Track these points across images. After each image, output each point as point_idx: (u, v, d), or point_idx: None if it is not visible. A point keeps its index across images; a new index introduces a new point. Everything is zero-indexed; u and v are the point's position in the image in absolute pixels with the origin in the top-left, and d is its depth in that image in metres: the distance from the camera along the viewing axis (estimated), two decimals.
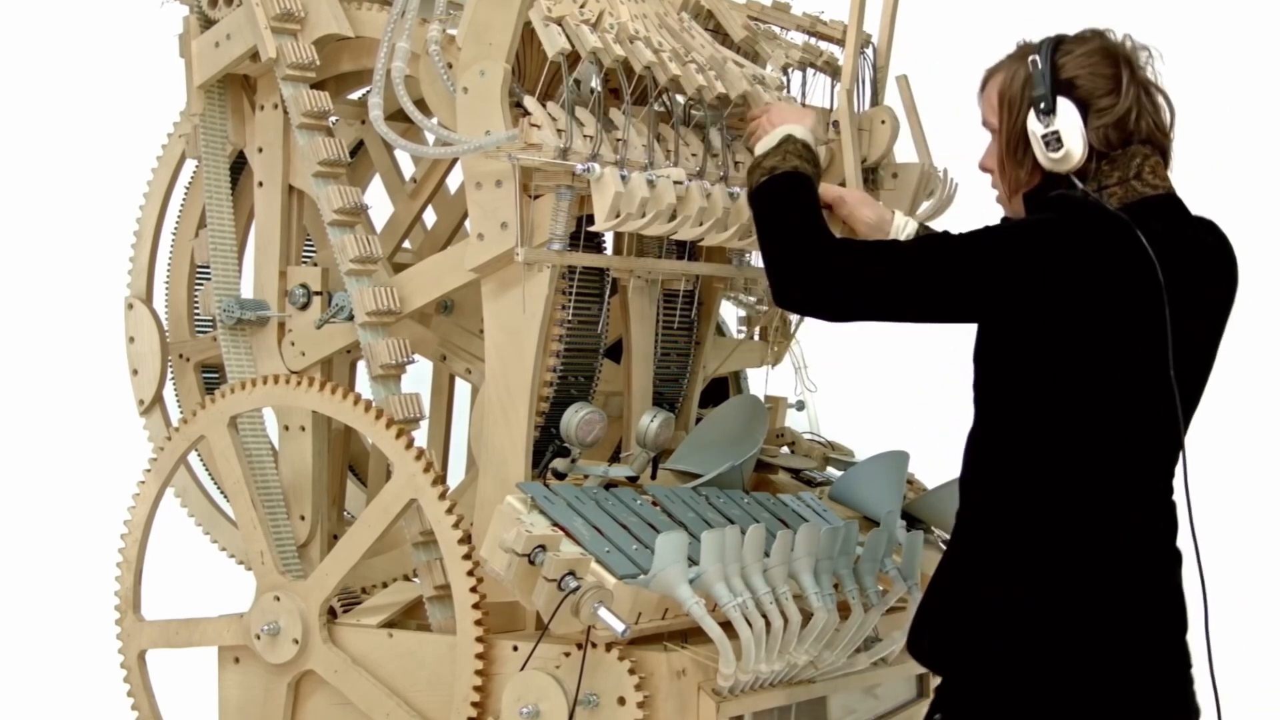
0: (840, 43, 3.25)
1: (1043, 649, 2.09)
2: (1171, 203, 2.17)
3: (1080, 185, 2.15)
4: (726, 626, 2.43)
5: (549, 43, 2.59)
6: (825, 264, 2.12)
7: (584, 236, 2.78)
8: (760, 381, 3.63)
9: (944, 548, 2.88)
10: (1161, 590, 2.15)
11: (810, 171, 2.35)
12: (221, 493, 3.18)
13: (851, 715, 2.87)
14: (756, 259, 3.32)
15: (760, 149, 2.42)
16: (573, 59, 2.62)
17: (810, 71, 3.22)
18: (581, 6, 2.70)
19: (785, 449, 3.53)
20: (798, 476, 3.32)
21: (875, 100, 3.16)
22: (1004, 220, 2.23)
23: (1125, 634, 2.09)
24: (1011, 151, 2.21)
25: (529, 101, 2.61)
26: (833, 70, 3.23)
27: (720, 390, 3.55)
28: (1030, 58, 2.17)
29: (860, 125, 3.08)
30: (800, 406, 3.63)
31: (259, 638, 2.80)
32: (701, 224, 2.72)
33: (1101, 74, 2.16)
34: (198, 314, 3.28)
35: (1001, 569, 2.13)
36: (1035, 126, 2.15)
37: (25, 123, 4.70)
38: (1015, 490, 2.14)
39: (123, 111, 4.44)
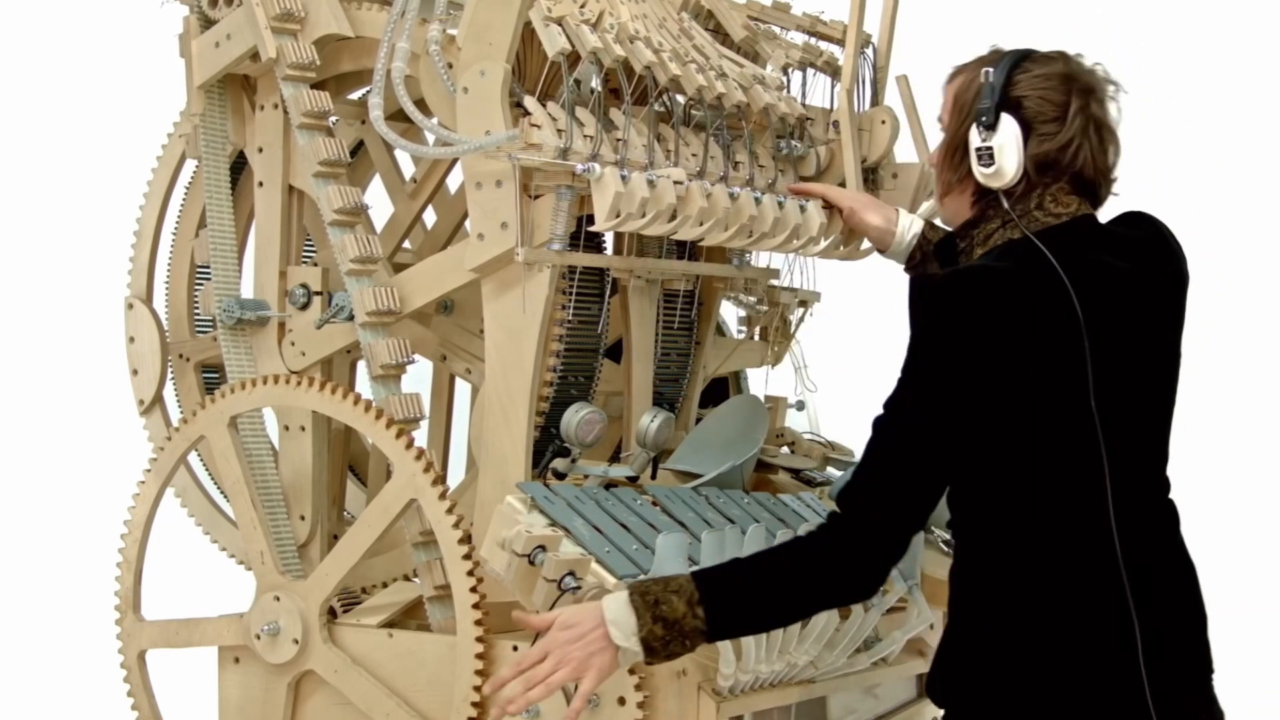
0: (840, 43, 3.25)
1: (1043, 680, 2.05)
2: (1078, 225, 2.13)
3: (1006, 204, 2.13)
4: None
5: (549, 43, 2.59)
6: (857, 550, 2.03)
7: (584, 236, 2.78)
8: (760, 381, 3.63)
9: (944, 548, 2.90)
10: (1169, 598, 2.12)
11: (694, 614, 2.04)
12: (221, 493, 3.18)
13: (851, 715, 2.87)
14: (756, 259, 3.33)
15: (635, 644, 2.04)
16: (573, 59, 2.62)
17: (810, 71, 3.22)
18: (582, 6, 2.70)
19: (785, 449, 3.52)
20: (798, 476, 3.32)
21: (875, 100, 3.16)
22: (912, 337, 2.08)
23: (1129, 650, 2.05)
24: (950, 155, 2.21)
25: (529, 101, 2.61)
26: (833, 70, 3.23)
27: (720, 390, 3.55)
28: (986, 69, 2.15)
29: (860, 125, 3.08)
30: (800, 406, 3.63)
31: (259, 638, 2.80)
32: (702, 224, 2.72)
33: (1051, 100, 2.12)
34: (198, 314, 3.28)
35: (1001, 609, 2.09)
36: (974, 138, 2.14)
37: (26, 123, 4.70)
38: (1001, 532, 2.09)
39: (123, 111, 4.44)
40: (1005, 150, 2.12)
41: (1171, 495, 2.18)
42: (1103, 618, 2.05)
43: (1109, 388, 2.05)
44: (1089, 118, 2.13)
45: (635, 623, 2.04)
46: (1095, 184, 2.16)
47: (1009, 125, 2.12)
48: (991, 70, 2.14)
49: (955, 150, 2.20)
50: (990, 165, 2.13)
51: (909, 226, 2.66)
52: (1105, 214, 2.22)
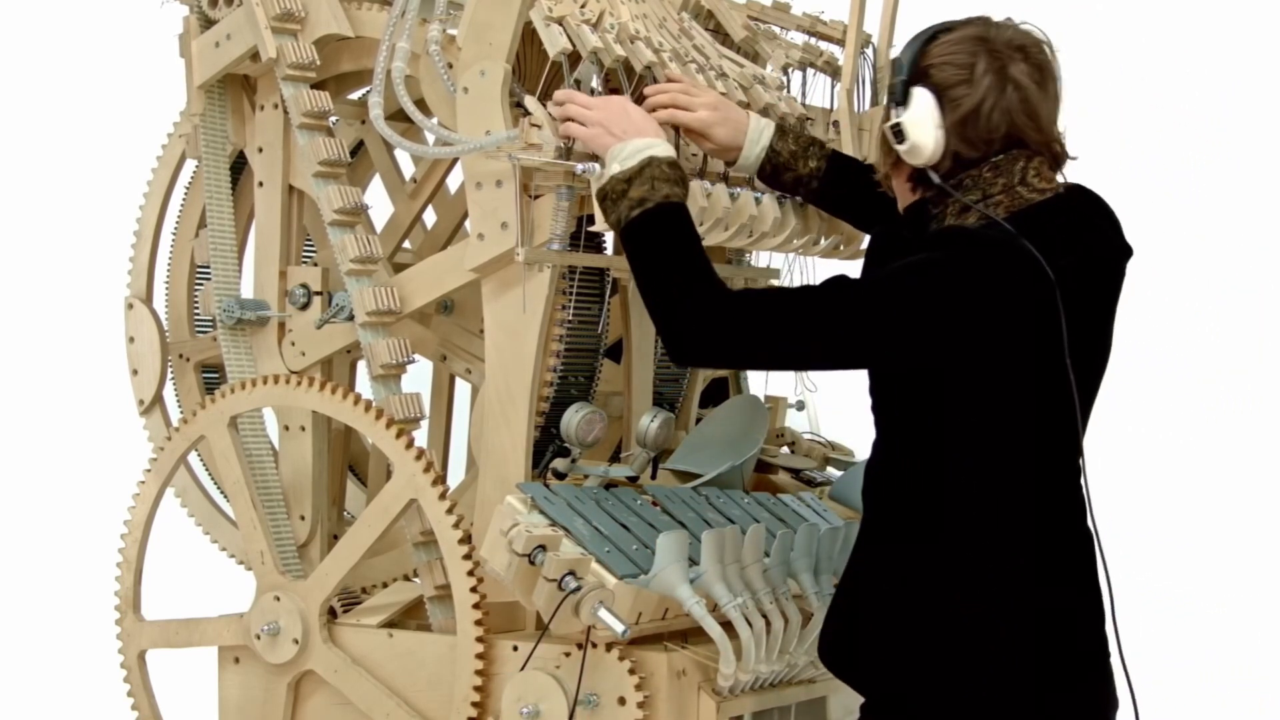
0: (840, 43, 3.25)
1: (964, 654, 2.05)
2: (1062, 202, 2.10)
3: (937, 180, 2.08)
4: (727, 626, 2.43)
5: (550, 43, 2.59)
6: (724, 317, 2.04)
7: (584, 236, 2.78)
8: (760, 381, 3.63)
9: None
10: (1077, 578, 2.12)
11: (682, 197, 2.21)
12: (221, 493, 3.18)
13: (851, 715, 2.86)
14: (756, 259, 3.33)
15: (618, 168, 2.24)
16: (573, 59, 2.62)
17: (810, 71, 3.22)
18: (582, 6, 2.70)
19: (785, 449, 3.52)
20: (798, 476, 3.32)
21: (875, 100, 3.16)
22: (896, 263, 2.06)
23: (1045, 630, 2.05)
24: (880, 139, 2.15)
25: (529, 101, 2.61)
26: (833, 70, 3.23)
27: (720, 390, 3.55)
28: (901, 47, 2.11)
29: (860, 125, 3.08)
30: (800, 406, 3.63)
31: (259, 638, 2.80)
32: (702, 224, 2.71)
33: (956, 63, 2.06)
34: (198, 314, 3.28)
35: (912, 580, 2.08)
36: (881, 115, 2.10)
37: (26, 123, 4.70)
38: (924, 498, 2.09)
39: (123, 111, 4.44)
40: (917, 125, 2.06)
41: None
42: (1036, 583, 2.05)
43: (1073, 360, 2.03)
44: (1004, 77, 2.05)
45: (629, 171, 2.22)
46: (1040, 147, 2.09)
47: (920, 97, 2.06)
48: (898, 48, 2.11)
49: (882, 134, 2.13)
50: (903, 141, 2.08)
51: (758, 138, 2.56)
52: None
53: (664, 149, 2.26)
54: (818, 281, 2.07)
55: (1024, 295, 2.00)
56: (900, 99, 2.08)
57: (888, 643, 2.11)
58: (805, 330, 2.03)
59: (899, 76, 2.09)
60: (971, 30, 2.09)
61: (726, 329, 2.05)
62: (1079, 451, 2.12)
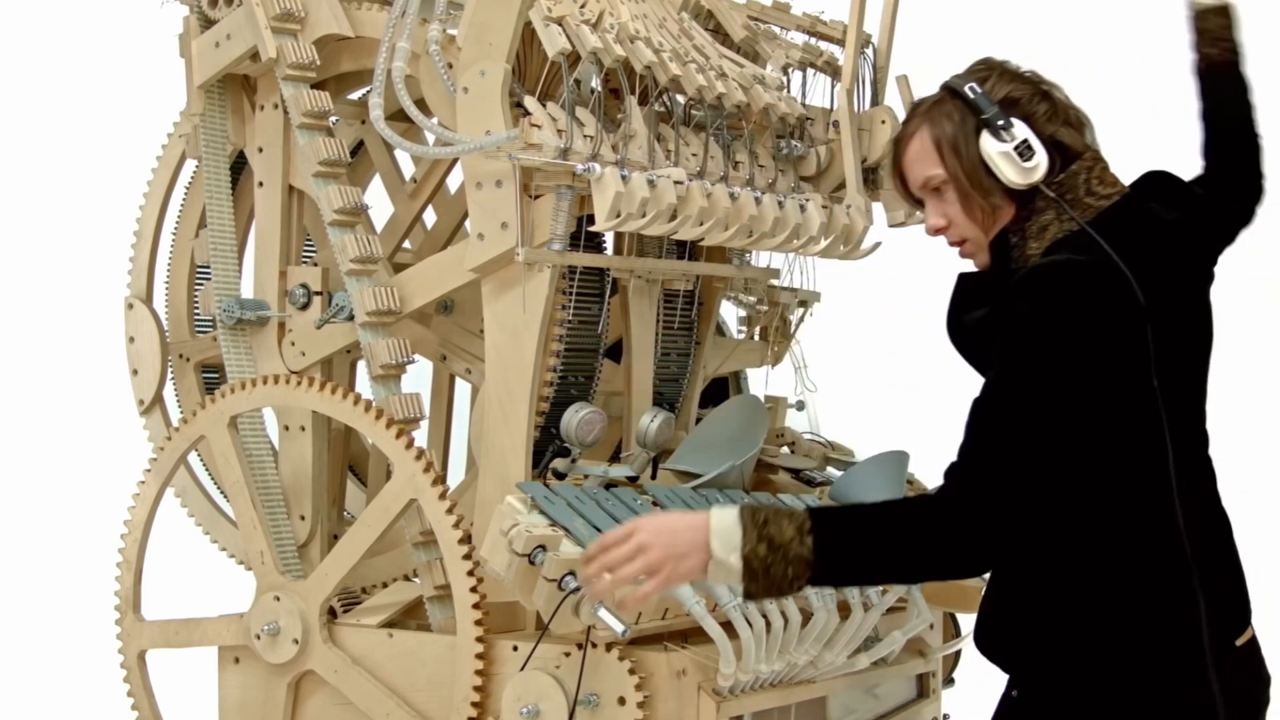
0: (840, 43, 3.25)
1: (1105, 633, 2.08)
2: (1130, 203, 2.15)
3: (1052, 194, 2.12)
4: (727, 626, 2.43)
5: (549, 43, 2.59)
6: (971, 520, 1.98)
7: (584, 236, 2.78)
8: (760, 381, 3.63)
9: None
10: (1216, 551, 2.16)
11: (795, 533, 1.97)
12: (221, 493, 3.18)
13: (851, 715, 2.87)
14: (756, 259, 3.33)
15: (740, 583, 1.97)
16: (573, 59, 2.62)
17: (810, 71, 3.22)
18: (582, 7, 2.70)
19: (785, 449, 3.53)
20: (798, 476, 3.32)
21: (875, 100, 3.17)
22: (1027, 324, 2.04)
23: (1188, 610, 2.08)
24: (976, 184, 2.16)
25: (529, 101, 2.61)
26: (833, 70, 3.23)
27: (720, 390, 3.55)
28: (965, 87, 2.15)
29: (860, 125, 3.09)
30: (800, 406, 3.63)
31: (259, 638, 2.80)
32: (702, 224, 2.72)
33: (1024, 90, 2.16)
34: (198, 314, 3.28)
35: (1061, 568, 2.12)
36: (998, 146, 2.12)
37: (26, 123, 4.71)
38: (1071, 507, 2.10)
39: (123, 111, 4.44)
40: (1032, 140, 2.13)
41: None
42: (1164, 572, 2.08)
43: (1167, 360, 2.07)
44: (1052, 101, 2.18)
45: (741, 537, 1.97)
46: (1087, 148, 2.18)
47: (1017, 122, 2.13)
48: (973, 84, 2.15)
49: (976, 176, 2.16)
50: (1031, 158, 2.13)
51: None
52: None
53: (729, 528, 1.99)
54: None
55: (1121, 308, 2.03)
56: (1007, 124, 2.13)
57: (1041, 628, 2.13)
58: (1028, 457, 1.98)
59: (991, 110, 2.13)
60: (1001, 66, 2.19)
61: (981, 522, 1.99)
62: (1204, 437, 2.19)
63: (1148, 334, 2.05)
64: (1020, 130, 2.13)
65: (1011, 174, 2.13)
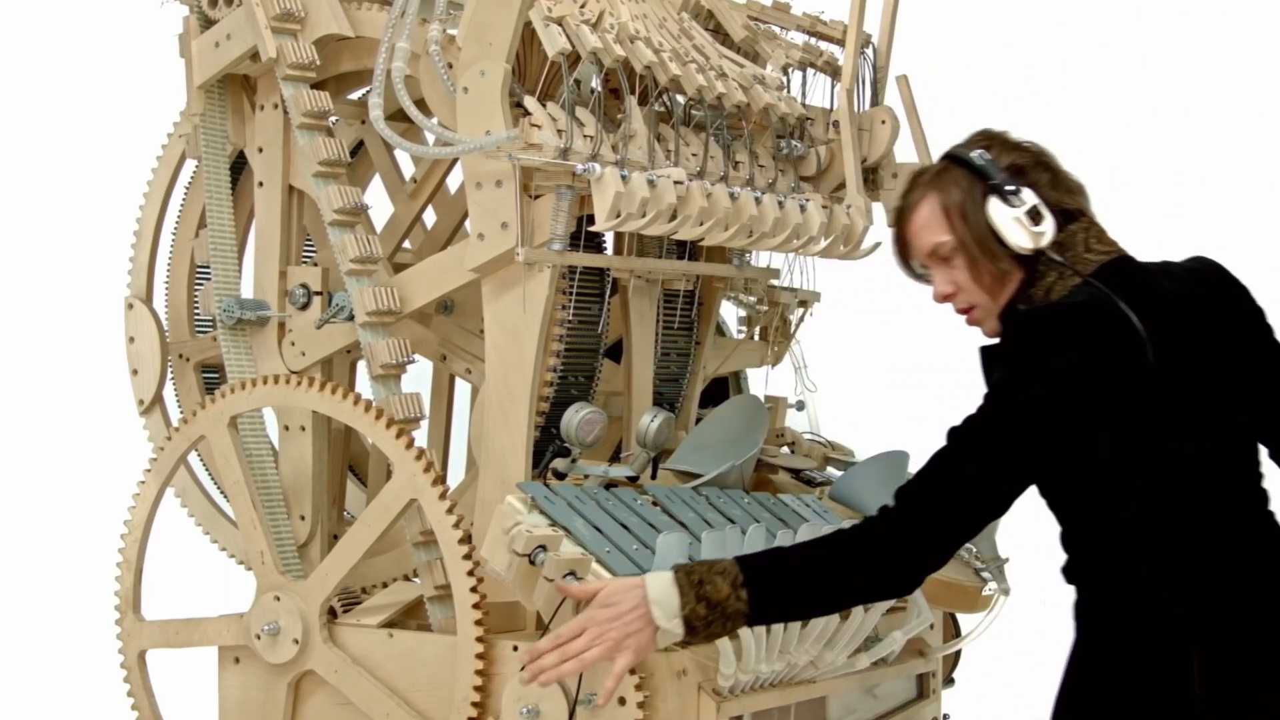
0: (840, 43, 3.26)
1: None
2: (1124, 261, 2.17)
3: (1059, 258, 2.14)
4: None
5: (549, 43, 2.59)
6: (902, 541, 2.05)
7: (584, 236, 2.78)
8: (760, 381, 3.63)
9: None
10: (1258, 601, 2.12)
11: (723, 587, 2.04)
12: (221, 493, 3.18)
13: (851, 715, 2.87)
14: (756, 259, 3.33)
15: (684, 637, 2.06)
16: (573, 59, 2.62)
17: (810, 71, 3.22)
18: (582, 7, 2.70)
19: (785, 449, 3.53)
20: (798, 476, 3.32)
21: (875, 100, 3.17)
22: (994, 380, 2.10)
23: (1176, 666, 2.07)
24: (984, 251, 2.17)
25: (529, 101, 2.61)
26: (833, 70, 3.23)
27: (720, 390, 3.55)
28: (973, 153, 2.17)
29: (860, 125, 3.09)
30: (800, 406, 3.63)
31: (259, 638, 2.80)
32: (702, 224, 2.72)
33: (1025, 158, 2.18)
34: (198, 314, 3.28)
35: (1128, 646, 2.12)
36: (1007, 212, 2.14)
37: (26, 123, 4.70)
38: (1119, 569, 2.12)
39: (123, 111, 4.44)
40: (1040, 205, 2.15)
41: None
42: (1151, 623, 2.08)
43: (1192, 403, 2.08)
44: (1050, 168, 2.20)
45: (679, 602, 2.05)
46: (1080, 210, 2.20)
47: (1025, 190, 2.15)
48: (981, 152, 2.17)
49: (985, 243, 2.17)
50: (1041, 222, 2.15)
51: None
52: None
53: (666, 594, 2.06)
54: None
55: (1112, 344, 2.05)
56: (1016, 189, 2.15)
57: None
58: (966, 491, 2.04)
59: (999, 176, 2.15)
60: (1000, 135, 2.22)
61: (911, 543, 2.05)
62: (1258, 491, 2.16)
63: (1151, 367, 2.05)
64: (1028, 196, 2.15)
65: (1021, 239, 2.15)
